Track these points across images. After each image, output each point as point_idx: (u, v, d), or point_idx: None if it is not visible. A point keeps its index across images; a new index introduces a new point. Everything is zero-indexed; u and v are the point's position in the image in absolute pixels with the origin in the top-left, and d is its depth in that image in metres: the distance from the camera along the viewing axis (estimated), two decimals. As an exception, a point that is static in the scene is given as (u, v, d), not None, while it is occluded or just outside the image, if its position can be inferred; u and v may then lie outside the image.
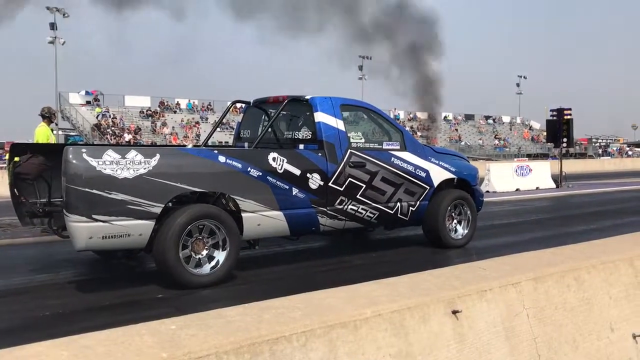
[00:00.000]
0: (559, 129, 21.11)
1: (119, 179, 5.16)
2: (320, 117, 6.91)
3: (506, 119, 73.68)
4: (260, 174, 6.09)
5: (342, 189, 6.82)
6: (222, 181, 5.88)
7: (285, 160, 6.34)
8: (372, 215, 7.20)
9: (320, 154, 6.71)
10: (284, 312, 2.21)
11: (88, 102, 47.34)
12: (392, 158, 7.40)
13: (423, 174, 7.69)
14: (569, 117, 21.00)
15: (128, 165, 5.23)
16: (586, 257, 3.29)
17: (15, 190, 6.12)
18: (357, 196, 6.98)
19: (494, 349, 2.54)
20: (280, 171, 6.27)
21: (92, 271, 6.72)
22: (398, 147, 7.59)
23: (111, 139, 41.75)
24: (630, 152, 69.87)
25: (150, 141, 43.78)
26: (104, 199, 5.11)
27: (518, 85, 78.36)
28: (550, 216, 12.98)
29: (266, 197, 6.13)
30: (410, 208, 7.57)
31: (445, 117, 67.61)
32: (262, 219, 6.10)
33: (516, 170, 20.25)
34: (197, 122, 50.12)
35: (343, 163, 6.85)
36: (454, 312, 2.47)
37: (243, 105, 8.48)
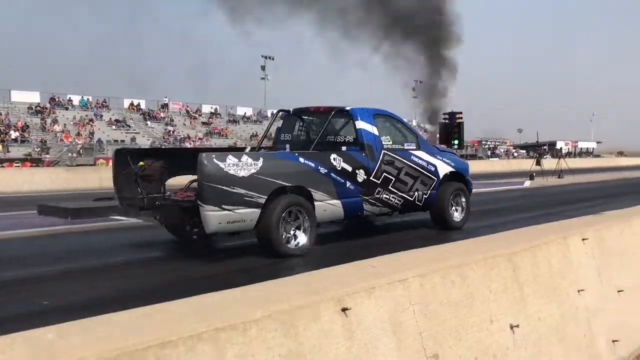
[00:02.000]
0: (451, 132, 22.23)
1: (238, 177, 6.77)
2: (360, 124, 8.69)
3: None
4: (326, 171, 7.86)
5: (379, 182, 8.62)
6: (302, 177, 7.57)
7: (342, 160, 8.11)
8: (398, 203, 9.02)
9: (363, 154, 8.47)
10: (172, 317, 2.15)
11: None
12: (412, 156, 9.24)
13: (433, 168, 9.58)
14: (460, 120, 22.15)
15: (243, 167, 6.83)
16: (470, 253, 3.47)
17: (139, 188, 7.61)
18: (389, 187, 8.80)
19: (381, 344, 2.61)
20: (339, 168, 8.04)
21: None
22: (414, 147, 9.41)
23: (-5, 136, 39.01)
24: (515, 154, 74.57)
25: (40, 139, 41.39)
26: (229, 193, 6.69)
27: (414, 89, 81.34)
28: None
29: (330, 189, 7.89)
30: (424, 196, 9.42)
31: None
32: (327, 206, 7.86)
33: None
34: (91, 120, 47.85)
35: (379, 161, 8.66)
36: (344, 310, 2.52)
37: (282, 112, 10.47)
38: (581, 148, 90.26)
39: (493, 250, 3.59)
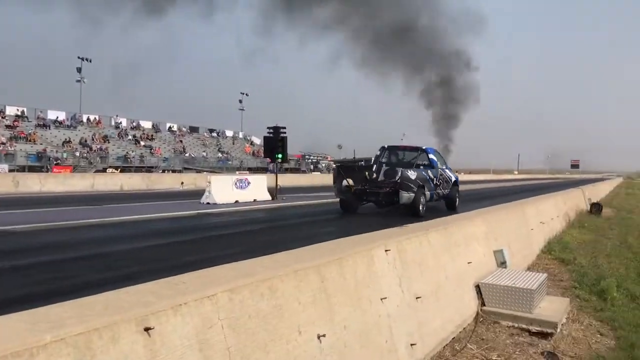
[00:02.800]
0: (275, 146, 22.63)
1: (416, 179, 16.14)
2: (431, 156, 18.41)
3: (229, 133, 76.22)
4: (426, 177, 17.06)
5: (438, 184, 17.71)
6: (424, 180, 16.76)
7: (431, 172, 17.51)
8: (440, 195, 18.13)
9: (433, 170, 17.73)
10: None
11: None
12: (445, 171, 18.81)
13: (450, 178, 19.03)
14: (284, 134, 22.66)
15: (411, 174, 16.10)
16: (281, 267, 3.53)
17: (365, 186, 16.30)
18: (440, 187, 17.89)
19: (186, 363, 2.55)
20: (433, 176, 17.53)
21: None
22: (444, 167, 19.06)
23: None
24: (336, 169, 78.07)
25: None
26: (409, 186, 15.78)
27: (240, 101, 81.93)
28: (263, 226, 13.74)
29: (427, 185, 16.86)
30: (447, 192, 18.69)
31: (170, 127, 67.08)
32: (427, 193, 16.79)
33: (236, 183, 21.00)
34: None
35: (438, 174, 17.87)
36: (147, 329, 2.42)
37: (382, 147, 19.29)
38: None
39: (303, 262, 3.70)
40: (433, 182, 17.24)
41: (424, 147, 18.57)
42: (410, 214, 15.40)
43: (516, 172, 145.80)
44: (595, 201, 23.09)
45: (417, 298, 5.07)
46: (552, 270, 9.40)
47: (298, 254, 4.09)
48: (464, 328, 5.89)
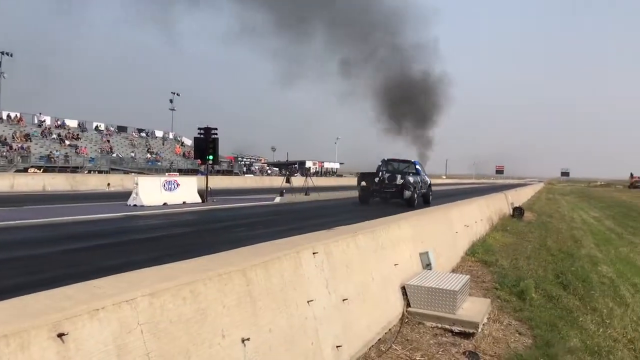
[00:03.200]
0: (206, 147, 22.30)
1: (413, 182, 24.11)
2: (417, 166, 26.32)
3: (159, 133, 74.55)
4: (417, 181, 24.91)
5: (422, 186, 25.57)
6: (418, 182, 25.13)
7: (418, 177, 25.36)
8: (420, 193, 25.39)
9: (419, 176, 25.52)
10: None
11: None
12: (424, 176, 27.10)
13: (428, 181, 27.79)
14: (215, 136, 22.36)
15: (411, 177, 24.42)
16: (205, 270, 3.48)
17: (377, 186, 24.83)
18: (421, 187, 25.38)
19: (102, 369, 2.47)
20: (420, 180, 25.43)
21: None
22: (423, 173, 27.26)
23: None
24: (269, 171, 77.97)
25: None
26: (409, 186, 23.90)
27: (171, 101, 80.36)
28: (191, 229, 13.49)
29: (418, 187, 25.03)
30: (424, 191, 26.12)
31: (96, 127, 64.95)
32: (418, 193, 25.22)
33: (164, 185, 20.54)
34: None
35: (421, 179, 25.79)
36: (60, 335, 2.32)
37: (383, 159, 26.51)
38: (327, 168, 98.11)
39: (228, 265, 3.65)
40: (419, 185, 25.02)
41: (412, 160, 26.76)
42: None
43: (444, 177, 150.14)
44: (517, 205, 24.10)
45: (343, 300, 5.11)
46: (475, 272, 9.72)
47: (224, 257, 4.03)
48: (390, 329, 5.99)
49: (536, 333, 6.56)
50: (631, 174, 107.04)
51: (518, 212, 22.33)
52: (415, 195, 24.09)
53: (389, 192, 24.32)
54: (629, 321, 8.22)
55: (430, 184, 28.14)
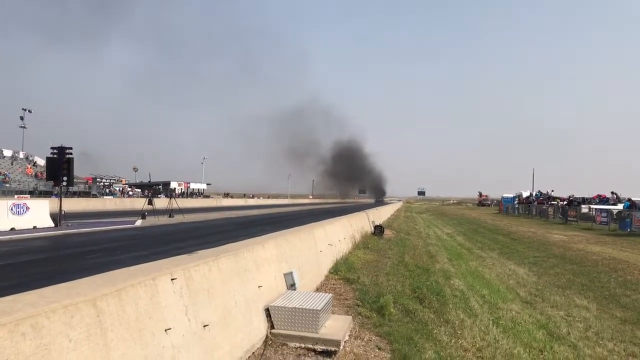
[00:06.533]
0: (60, 167, 20.91)
1: None
2: None
3: (8, 152, 68.88)
4: None
5: None
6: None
7: None
8: None
9: None
10: None
11: None
12: None
13: None
14: (70, 156, 21.06)
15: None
16: (48, 302, 3.21)
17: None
18: None
19: None
20: None
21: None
22: None
23: None
24: (131, 192, 74.66)
25: None
26: None
27: (22, 118, 74.74)
28: (40, 257, 12.50)
29: None
30: None
31: None
32: None
33: (12, 209, 18.97)
34: None
35: None
36: None
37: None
38: (193, 189, 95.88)
39: (75, 296, 3.41)
40: None
41: None
42: None
43: (311, 197, 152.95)
44: (378, 224, 25.11)
45: (204, 326, 4.97)
46: (339, 290, 9.94)
47: (72, 287, 3.76)
48: (253, 352, 5.93)
49: (394, 347, 6.82)
50: (480, 193, 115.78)
51: (379, 230, 23.27)
52: None
53: None
54: (478, 331, 8.83)
55: None
